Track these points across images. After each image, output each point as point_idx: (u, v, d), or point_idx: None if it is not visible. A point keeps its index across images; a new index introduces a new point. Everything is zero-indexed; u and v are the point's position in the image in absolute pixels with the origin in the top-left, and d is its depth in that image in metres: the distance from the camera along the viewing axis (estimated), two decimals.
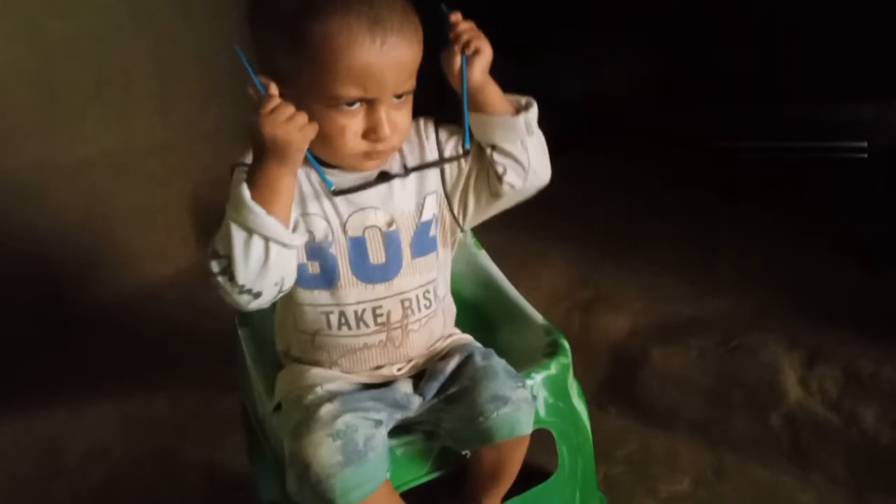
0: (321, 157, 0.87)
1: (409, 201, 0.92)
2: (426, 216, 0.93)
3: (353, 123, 0.84)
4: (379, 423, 0.88)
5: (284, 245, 0.81)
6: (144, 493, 1.34)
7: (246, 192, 0.79)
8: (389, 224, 0.90)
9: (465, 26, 0.89)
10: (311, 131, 0.81)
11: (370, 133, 0.85)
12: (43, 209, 1.83)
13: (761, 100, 2.32)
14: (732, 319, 1.49)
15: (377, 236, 0.90)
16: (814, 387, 1.30)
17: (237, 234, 0.79)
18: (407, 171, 0.90)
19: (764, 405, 1.32)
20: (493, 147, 0.92)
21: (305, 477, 0.82)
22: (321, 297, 0.90)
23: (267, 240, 0.80)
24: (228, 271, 0.80)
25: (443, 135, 0.95)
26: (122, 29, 1.90)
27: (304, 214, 0.88)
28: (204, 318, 1.68)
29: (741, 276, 1.63)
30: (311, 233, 0.88)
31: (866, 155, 2.05)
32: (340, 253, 0.89)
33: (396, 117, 0.86)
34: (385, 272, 0.91)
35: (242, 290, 0.81)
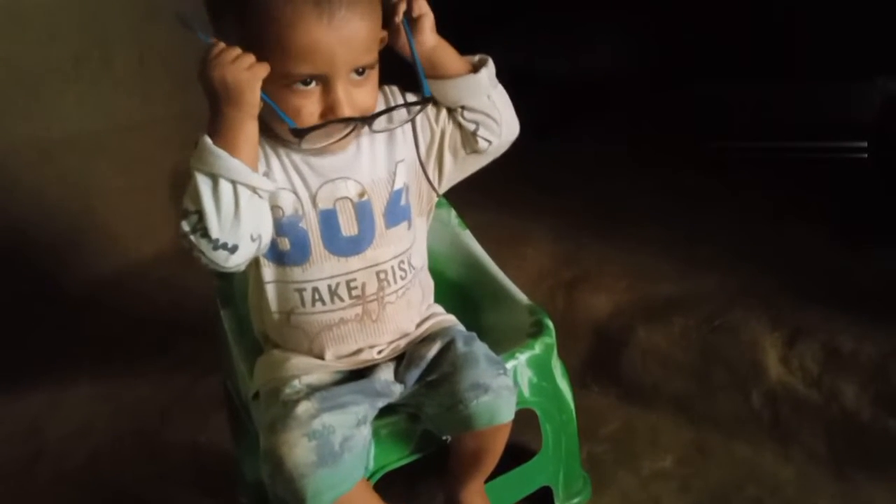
0: (285, 135, 0.84)
1: (379, 169, 0.90)
2: (398, 184, 0.91)
3: (308, 104, 0.82)
4: (361, 420, 0.87)
5: (254, 189, 0.79)
6: (127, 473, 1.33)
7: (207, 139, 0.77)
8: (361, 194, 0.89)
9: None
10: (261, 70, 0.78)
11: (328, 113, 0.82)
12: (22, 189, 1.81)
13: (748, 78, 2.32)
14: (715, 298, 1.50)
15: (349, 208, 0.88)
16: (794, 364, 1.31)
17: (204, 183, 0.77)
18: (366, 119, 0.85)
19: (746, 383, 1.33)
20: (462, 107, 0.91)
21: (278, 474, 0.82)
22: (293, 273, 0.89)
23: (234, 183, 0.77)
24: (200, 226, 0.78)
25: (411, 97, 0.93)
26: (100, 5, 1.87)
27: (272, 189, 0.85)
28: (186, 298, 1.67)
29: (724, 255, 1.64)
30: (279, 208, 0.86)
31: (858, 147, 2.05)
32: (311, 227, 0.87)
33: (357, 95, 0.83)
34: (358, 244, 0.89)
35: (217, 245, 0.79)
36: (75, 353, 1.64)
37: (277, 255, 0.88)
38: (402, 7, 0.87)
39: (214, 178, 0.77)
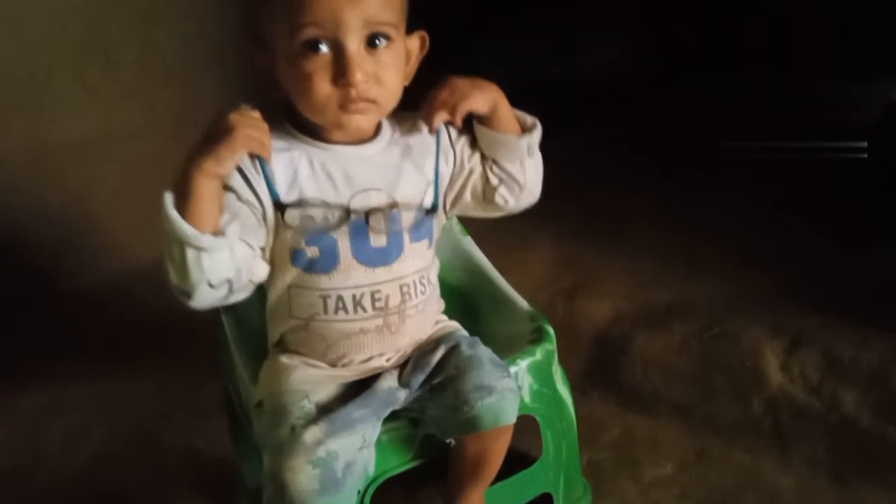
0: (304, 112, 0.85)
1: (412, 186, 0.91)
2: (427, 203, 0.92)
3: (320, 70, 0.81)
4: (366, 443, 0.87)
5: (200, 249, 0.78)
6: (126, 477, 1.33)
7: (168, 197, 0.78)
8: (392, 206, 0.89)
9: (442, 97, 0.89)
10: (258, 141, 0.80)
11: (339, 78, 0.81)
12: (22, 193, 1.81)
13: (748, 80, 2.32)
14: (715, 305, 1.50)
15: (379, 219, 0.89)
16: (795, 372, 1.31)
17: (162, 239, 0.79)
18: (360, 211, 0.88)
19: (746, 390, 1.33)
20: (494, 161, 0.95)
21: (280, 497, 0.81)
22: (319, 280, 0.89)
23: (182, 243, 0.77)
24: (165, 270, 0.80)
25: (453, 132, 0.96)
26: (101, 10, 1.87)
27: (302, 200, 0.86)
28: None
29: (724, 261, 1.64)
30: (310, 217, 0.86)
31: (856, 148, 2.06)
32: (341, 236, 0.88)
33: (373, 67, 0.83)
34: (386, 256, 0.90)
35: (177, 290, 0.81)
36: (75, 355, 1.64)
37: (306, 263, 0.88)
38: (435, 121, 0.90)
39: (166, 234, 0.78)
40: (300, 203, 0.86)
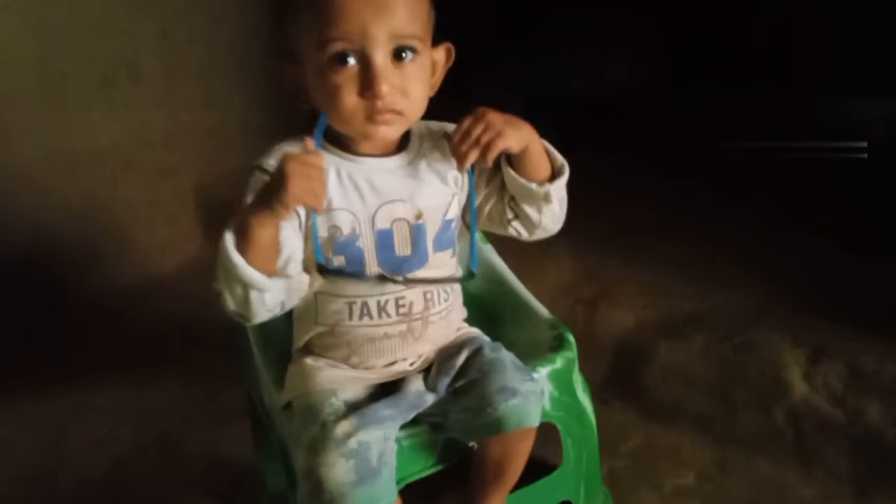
0: (333, 123, 0.87)
1: (436, 198, 0.93)
2: (450, 215, 0.94)
3: (347, 82, 0.83)
4: (389, 436, 0.87)
5: (263, 290, 0.82)
6: (149, 482, 1.34)
7: (229, 239, 0.79)
8: (417, 217, 0.91)
9: (475, 134, 0.86)
10: (311, 194, 0.79)
11: (365, 91, 0.83)
12: (48, 201, 1.83)
13: (764, 95, 2.32)
14: (736, 315, 1.50)
15: (404, 229, 0.91)
16: (818, 383, 1.31)
17: (221, 274, 0.81)
18: (407, 280, 0.91)
19: (768, 401, 1.32)
20: (512, 197, 0.95)
21: (318, 494, 0.82)
22: (346, 288, 0.91)
23: (246, 286, 0.80)
24: (222, 296, 0.83)
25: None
26: (127, 21, 1.90)
27: (330, 210, 0.88)
28: (208, 310, 1.67)
29: (744, 271, 1.64)
30: (337, 228, 0.88)
31: (865, 153, 2.05)
32: (367, 246, 0.89)
33: (399, 79, 0.84)
34: (410, 264, 0.91)
35: (234, 315, 0.85)
36: (98, 362, 1.65)
37: (331, 271, 0.90)
38: (467, 160, 0.87)
39: (227, 275, 0.80)
40: (329, 210, 0.87)
